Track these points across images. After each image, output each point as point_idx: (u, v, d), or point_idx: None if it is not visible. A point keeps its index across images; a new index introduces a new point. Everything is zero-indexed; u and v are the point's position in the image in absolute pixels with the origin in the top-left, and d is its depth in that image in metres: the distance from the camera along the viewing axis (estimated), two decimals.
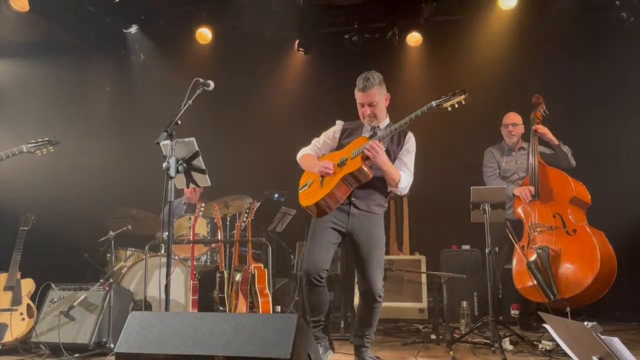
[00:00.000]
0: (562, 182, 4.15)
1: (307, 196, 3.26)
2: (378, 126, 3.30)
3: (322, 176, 3.22)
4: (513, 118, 4.71)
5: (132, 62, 6.60)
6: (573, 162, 4.43)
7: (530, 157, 4.37)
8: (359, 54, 6.05)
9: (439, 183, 5.70)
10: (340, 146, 3.37)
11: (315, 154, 3.44)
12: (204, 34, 6.14)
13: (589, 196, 4.13)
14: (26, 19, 5.50)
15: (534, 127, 4.43)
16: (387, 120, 3.36)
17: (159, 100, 5.93)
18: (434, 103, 3.09)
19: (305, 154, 3.44)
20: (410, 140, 3.31)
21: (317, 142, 3.47)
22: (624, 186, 5.07)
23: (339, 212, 3.21)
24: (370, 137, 3.20)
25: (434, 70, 6.00)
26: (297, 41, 6.26)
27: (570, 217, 4.02)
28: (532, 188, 4.25)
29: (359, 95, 3.26)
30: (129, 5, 5.83)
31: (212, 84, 2.97)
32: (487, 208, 3.80)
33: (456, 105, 3.08)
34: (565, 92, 5.52)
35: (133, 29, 6.28)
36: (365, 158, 3.07)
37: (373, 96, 3.21)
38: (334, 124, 3.48)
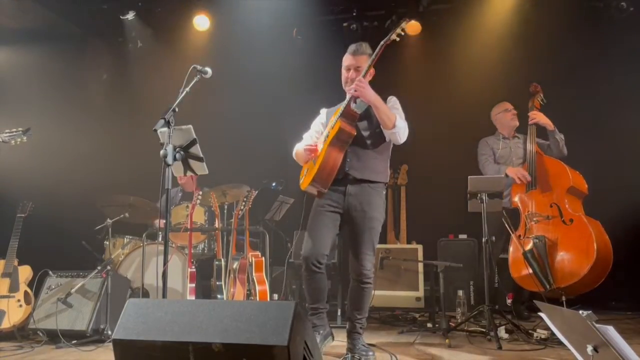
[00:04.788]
0: (560, 172, 4.14)
1: (305, 179, 3.25)
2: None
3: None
4: (508, 104, 4.75)
5: (130, 49, 6.55)
6: (565, 151, 4.41)
7: (528, 145, 4.36)
8: (357, 42, 6.02)
9: (437, 172, 5.70)
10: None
11: None
12: (202, 21, 6.10)
13: (586, 186, 4.13)
14: (21, 5, 5.45)
15: (529, 114, 4.42)
16: None
17: (156, 87, 5.90)
18: (382, 42, 3.12)
19: (297, 149, 3.43)
20: (392, 100, 3.28)
21: (309, 136, 3.46)
22: (620, 176, 5.08)
23: (334, 193, 3.17)
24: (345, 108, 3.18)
25: (433, 58, 5.98)
26: (295, 29, 6.22)
27: (567, 206, 4.02)
28: (527, 175, 4.25)
29: (347, 58, 3.26)
30: None
31: (209, 71, 2.94)
32: (484, 198, 3.80)
33: (402, 33, 3.14)
34: (563, 80, 5.52)
35: (130, 16, 6.22)
36: (345, 118, 3.07)
37: (361, 61, 3.21)
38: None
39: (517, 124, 4.71)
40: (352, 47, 3.25)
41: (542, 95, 4.50)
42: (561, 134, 4.42)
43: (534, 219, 4.08)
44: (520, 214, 4.24)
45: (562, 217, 3.98)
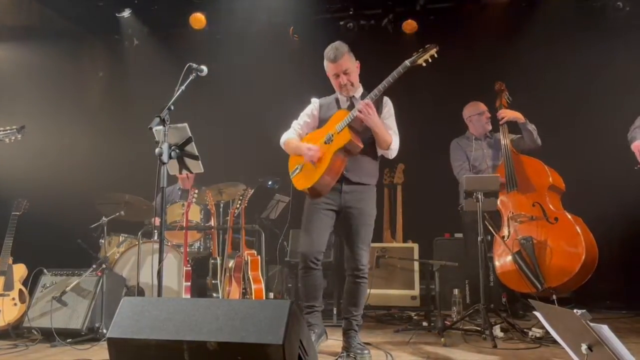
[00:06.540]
0: (538, 170, 4.14)
1: (302, 179, 3.26)
2: (354, 96, 3.31)
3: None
4: (483, 106, 4.71)
5: (126, 47, 6.55)
6: (539, 141, 4.39)
7: (503, 145, 4.34)
8: (354, 41, 5.98)
9: (433, 172, 5.69)
10: (321, 122, 3.37)
11: (299, 137, 3.42)
12: (198, 19, 6.09)
13: (563, 183, 4.15)
14: (18, 2, 5.42)
15: (498, 114, 4.41)
16: (361, 89, 3.37)
17: (152, 85, 5.88)
18: (407, 62, 3.15)
19: (289, 139, 3.41)
20: (388, 104, 3.34)
21: (298, 124, 3.45)
22: (615, 175, 5.09)
23: (330, 191, 3.21)
24: (349, 109, 3.23)
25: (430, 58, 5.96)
26: (291, 27, 6.21)
27: (549, 205, 4.01)
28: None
29: (331, 67, 3.25)
30: None
31: (205, 69, 2.94)
32: (480, 196, 3.80)
33: (430, 60, 3.17)
34: (560, 79, 5.53)
35: (126, 13, 6.21)
36: (353, 129, 3.11)
37: (346, 64, 3.22)
38: None
39: (491, 127, 4.69)
40: (330, 54, 3.20)
41: (507, 93, 4.51)
42: (532, 124, 4.39)
43: (518, 219, 4.06)
44: (502, 215, 4.22)
45: (546, 216, 3.98)
